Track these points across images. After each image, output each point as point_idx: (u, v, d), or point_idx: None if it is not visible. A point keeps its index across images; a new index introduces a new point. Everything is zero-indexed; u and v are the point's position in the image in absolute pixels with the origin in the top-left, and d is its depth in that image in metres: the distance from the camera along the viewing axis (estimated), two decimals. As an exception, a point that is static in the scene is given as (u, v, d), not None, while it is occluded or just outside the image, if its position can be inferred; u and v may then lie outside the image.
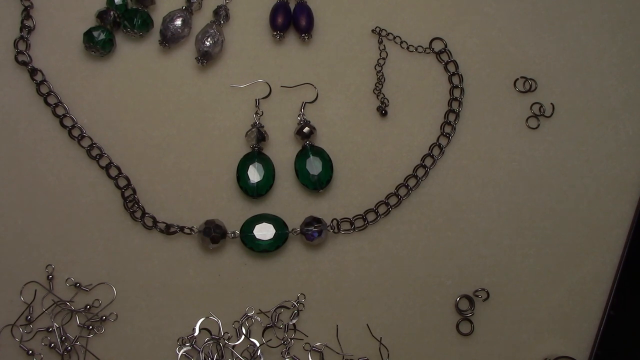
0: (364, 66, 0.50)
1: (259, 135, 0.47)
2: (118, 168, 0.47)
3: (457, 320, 0.47)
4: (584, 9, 0.51)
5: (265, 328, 0.46)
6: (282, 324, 0.46)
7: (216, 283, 0.47)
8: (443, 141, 0.49)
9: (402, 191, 0.48)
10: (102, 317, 0.46)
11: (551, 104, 0.49)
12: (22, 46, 0.49)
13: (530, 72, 0.50)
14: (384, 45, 0.50)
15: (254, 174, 0.47)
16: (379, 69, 0.50)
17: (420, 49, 0.50)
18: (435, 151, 0.49)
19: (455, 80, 0.50)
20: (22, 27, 0.49)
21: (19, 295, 0.46)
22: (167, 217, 0.47)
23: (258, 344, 0.46)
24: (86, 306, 0.46)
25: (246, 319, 0.46)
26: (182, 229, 0.47)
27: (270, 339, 0.46)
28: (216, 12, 0.50)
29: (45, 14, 0.50)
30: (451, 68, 0.50)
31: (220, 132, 0.48)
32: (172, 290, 0.47)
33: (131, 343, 0.46)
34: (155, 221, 0.47)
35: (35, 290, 0.46)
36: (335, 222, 0.47)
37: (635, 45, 0.50)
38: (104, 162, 0.47)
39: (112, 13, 0.49)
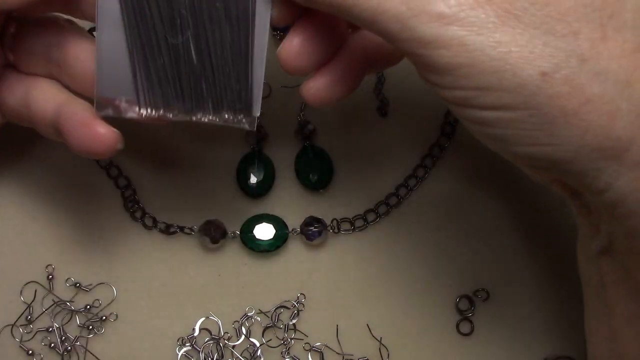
0: (364, 66, 0.50)
1: (259, 135, 0.47)
2: (118, 168, 0.47)
3: (457, 320, 0.47)
4: (584, 9, 0.51)
5: (265, 328, 0.46)
6: (282, 324, 0.46)
7: (216, 283, 0.47)
8: (443, 141, 0.49)
9: (402, 191, 0.48)
10: (102, 317, 0.46)
11: (551, 104, 0.49)
12: (22, 46, 0.49)
13: (530, 72, 0.50)
14: (384, 45, 0.50)
15: (254, 174, 0.47)
16: (379, 69, 0.50)
17: (420, 49, 0.50)
18: (435, 151, 0.49)
19: (455, 80, 0.50)
20: (22, 27, 0.49)
21: (19, 295, 0.46)
22: (167, 217, 0.47)
23: (258, 344, 0.46)
24: (86, 306, 0.46)
25: (246, 319, 0.46)
26: (182, 229, 0.47)
27: (270, 339, 0.46)
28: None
29: (45, 14, 0.50)
30: (451, 68, 0.50)
31: (220, 132, 0.48)
32: (172, 290, 0.47)
33: (131, 343, 0.46)
34: (155, 221, 0.47)
35: (35, 290, 0.46)
36: (335, 222, 0.47)
37: (635, 45, 0.50)
38: (103, 162, 0.47)
39: (112, 13, 0.49)
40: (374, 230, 0.48)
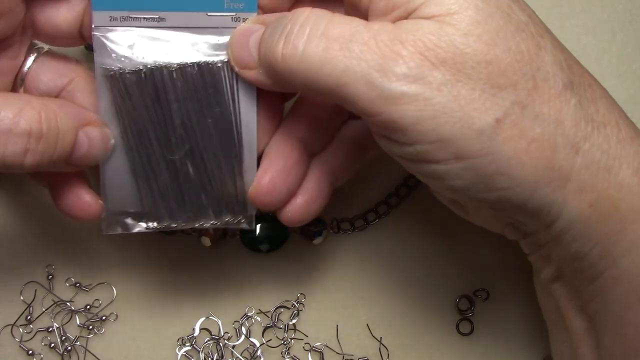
0: (364, 66, 0.50)
1: (259, 135, 0.47)
2: (118, 168, 0.48)
3: (457, 320, 0.47)
4: (584, 9, 0.51)
5: (265, 328, 0.46)
6: (282, 324, 0.46)
7: (216, 283, 0.47)
8: (443, 141, 0.49)
9: (402, 191, 0.48)
10: (102, 317, 0.46)
11: (551, 104, 0.50)
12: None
13: (530, 72, 0.50)
14: (384, 45, 0.50)
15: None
16: (379, 69, 0.50)
17: (420, 49, 0.50)
18: (435, 151, 0.49)
19: (455, 80, 0.50)
20: (22, 27, 0.49)
21: (19, 295, 0.46)
22: (167, 217, 0.47)
23: (258, 344, 0.46)
24: (86, 306, 0.46)
25: (246, 319, 0.46)
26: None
27: (270, 339, 0.46)
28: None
29: (45, 13, 0.50)
30: (451, 68, 0.50)
31: (220, 132, 0.48)
32: (172, 290, 0.47)
33: (131, 343, 0.46)
34: (155, 221, 0.47)
35: (35, 290, 0.46)
36: (335, 222, 0.47)
37: (635, 45, 0.50)
38: (104, 162, 0.48)
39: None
40: (374, 230, 0.48)
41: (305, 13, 0.34)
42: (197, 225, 0.40)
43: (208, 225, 0.40)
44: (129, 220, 0.39)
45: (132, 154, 0.38)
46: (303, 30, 0.33)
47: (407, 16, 0.33)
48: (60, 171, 0.38)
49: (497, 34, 0.32)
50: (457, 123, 0.31)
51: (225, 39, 0.37)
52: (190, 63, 0.37)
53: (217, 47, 0.37)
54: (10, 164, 0.34)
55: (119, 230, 0.39)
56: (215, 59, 0.37)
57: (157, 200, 0.39)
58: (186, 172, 0.38)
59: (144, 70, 0.37)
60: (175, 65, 0.37)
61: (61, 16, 0.38)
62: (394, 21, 0.33)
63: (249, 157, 0.39)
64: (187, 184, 0.38)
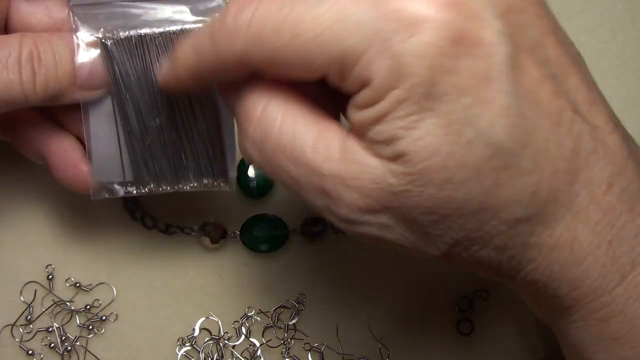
0: (364, 66, 0.50)
1: (259, 135, 0.47)
2: (118, 168, 0.48)
3: (457, 320, 0.47)
4: (584, 9, 0.51)
5: (265, 328, 0.46)
6: (282, 324, 0.46)
7: (216, 283, 0.47)
8: (443, 141, 0.49)
9: (402, 191, 0.48)
10: (102, 317, 0.46)
11: (551, 104, 0.49)
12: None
13: (530, 72, 0.50)
14: (384, 45, 0.50)
15: (254, 174, 0.47)
16: (379, 68, 0.50)
17: (420, 49, 0.50)
18: (435, 151, 0.49)
19: (455, 80, 0.50)
20: (22, 27, 0.49)
21: (19, 295, 0.46)
22: (167, 217, 0.47)
23: (258, 344, 0.46)
24: (86, 306, 0.46)
25: (246, 319, 0.46)
26: (182, 228, 0.47)
27: (270, 339, 0.46)
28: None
29: (45, 13, 0.50)
30: (451, 68, 0.50)
31: (220, 132, 0.48)
32: (172, 290, 0.47)
33: (131, 343, 0.46)
34: (155, 221, 0.47)
35: (35, 290, 0.46)
36: (335, 222, 0.47)
37: (635, 45, 0.50)
38: (104, 162, 0.48)
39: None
40: (374, 230, 0.48)
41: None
42: (176, 188, 0.40)
43: (188, 188, 0.40)
44: (116, 187, 0.40)
45: (119, 123, 0.39)
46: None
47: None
48: (75, 101, 0.38)
49: None
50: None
51: (196, 10, 0.39)
52: (167, 32, 0.38)
53: (192, 20, 0.38)
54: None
55: (106, 196, 0.40)
56: (192, 27, 0.39)
57: (141, 166, 0.40)
58: (167, 137, 0.39)
59: (124, 38, 0.38)
60: (151, 34, 0.38)
61: None
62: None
63: (228, 121, 0.40)
64: (168, 148, 0.40)
